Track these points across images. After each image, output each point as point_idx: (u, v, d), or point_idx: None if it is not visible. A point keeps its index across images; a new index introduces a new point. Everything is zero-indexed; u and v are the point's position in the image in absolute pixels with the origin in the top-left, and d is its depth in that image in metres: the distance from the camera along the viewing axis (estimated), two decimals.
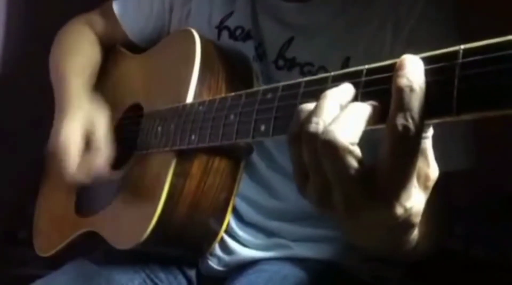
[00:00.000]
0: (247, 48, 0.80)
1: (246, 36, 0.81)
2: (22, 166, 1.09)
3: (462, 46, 0.36)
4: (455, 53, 0.36)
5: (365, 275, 0.78)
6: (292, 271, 0.75)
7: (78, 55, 0.93)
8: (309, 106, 0.41)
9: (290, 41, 0.78)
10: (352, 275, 0.78)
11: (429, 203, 0.42)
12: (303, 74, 0.75)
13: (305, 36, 0.77)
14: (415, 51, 0.67)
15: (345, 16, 0.75)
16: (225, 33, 0.83)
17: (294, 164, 0.42)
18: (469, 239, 1.04)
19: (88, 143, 0.76)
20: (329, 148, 0.37)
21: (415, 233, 0.45)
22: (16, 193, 1.04)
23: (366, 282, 0.78)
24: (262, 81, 0.78)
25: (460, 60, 0.36)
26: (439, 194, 0.45)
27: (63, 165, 0.75)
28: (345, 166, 0.37)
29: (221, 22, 0.83)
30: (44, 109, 1.06)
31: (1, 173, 1.13)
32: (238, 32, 0.82)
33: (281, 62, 0.78)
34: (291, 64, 0.77)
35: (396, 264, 0.79)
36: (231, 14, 0.83)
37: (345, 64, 0.73)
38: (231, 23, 0.82)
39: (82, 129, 0.77)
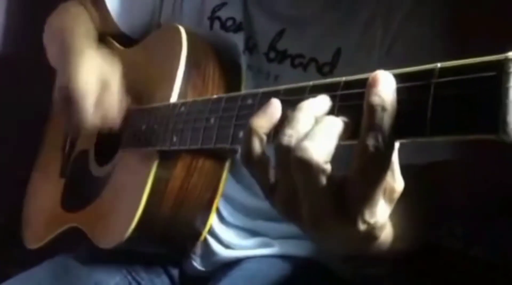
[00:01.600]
0: (238, 40, 0.79)
1: (237, 28, 0.80)
2: (22, 166, 1.08)
3: (439, 64, 0.35)
4: (431, 71, 0.35)
5: (348, 274, 0.78)
6: (275, 269, 0.76)
7: (79, 25, 0.89)
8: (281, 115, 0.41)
9: (281, 33, 0.77)
10: (335, 273, 0.78)
11: (401, 208, 0.42)
12: (294, 66, 0.75)
13: (296, 28, 0.76)
14: (402, 46, 0.67)
15: (337, 8, 0.74)
16: (216, 24, 0.82)
17: (261, 172, 0.41)
18: (469, 239, 1.03)
19: (103, 87, 0.73)
20: (302, 165, 0.37)
21: (383, 240, 0.45)
22: (16, 193, 1.04)
23: (348, 280, 0.78)
24: (252, 74, 0.77)
25: (436, 79, 0.34)
26: (414, 198, 0.46)
27: (80, 109, 0.71)
28: (316, 183, 0.37)
29: (213, 12, 0.82)
30: (46, 108, 1.05)
31: (1, 172, 1.13)
32: (229, 23, 0.81)
33: (272, 54, 0.77)
34: (282, 56, 0.76)
35: (381, 263, 0.78)
36: (223, 4, 0.82)
37: (336, 56, 0.73)
38: (223, 13, 0.81)
39: (98, 72, 0.74)
